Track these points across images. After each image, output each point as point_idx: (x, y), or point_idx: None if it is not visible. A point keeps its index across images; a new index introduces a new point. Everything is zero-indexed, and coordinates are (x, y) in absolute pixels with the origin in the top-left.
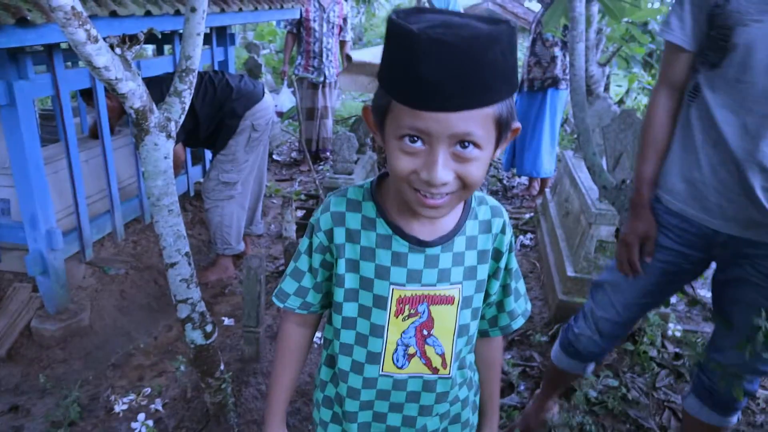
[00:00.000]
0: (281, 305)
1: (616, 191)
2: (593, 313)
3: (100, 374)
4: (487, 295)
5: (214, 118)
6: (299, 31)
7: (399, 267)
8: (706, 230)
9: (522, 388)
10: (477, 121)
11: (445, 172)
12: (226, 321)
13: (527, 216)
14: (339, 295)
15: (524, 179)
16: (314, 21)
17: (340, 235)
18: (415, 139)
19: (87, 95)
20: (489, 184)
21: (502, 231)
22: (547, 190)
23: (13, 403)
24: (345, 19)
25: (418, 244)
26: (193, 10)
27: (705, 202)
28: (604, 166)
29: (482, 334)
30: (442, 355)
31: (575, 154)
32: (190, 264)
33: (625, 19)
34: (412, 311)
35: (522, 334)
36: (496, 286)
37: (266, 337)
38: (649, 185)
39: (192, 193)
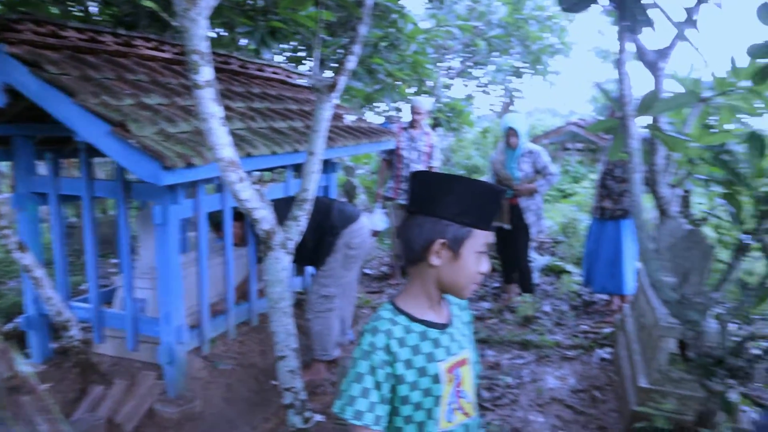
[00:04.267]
0: (359, 423)
1: (677, 305)
2: None
3: None
4: None
5: (315, 235)
6: (392, 158)
7: (439, 348)
8: None
9: None
10: None
11: None
12: (318, 417)
13: (606, 330)
14: (404, 389)
15: (605, 295)
16: (405, 149)
17: (394, 345)
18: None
19: (215, 227)
20: (569, 299)
21: (467, 306)
22: (626, 306)
23: None
24: (433, 147)
25: (443, 328)
26: (312, 153)
27: None
28: (672, 283)
29: None
30: (470, 402)
31: None
32: (296, 358)
33: (696, 144)
34: (452, 376)
35: None
36: None
37: None
38: None
39: (292, 302)
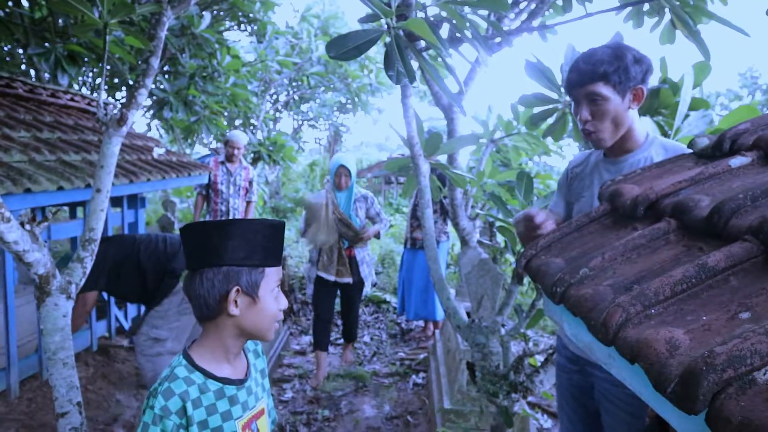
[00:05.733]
0: None
1: (468, 329)
2: None
3: None
4: None
5: (158, 274)
6: (208, 192)
7: (235, 405)
8: None
9: None
10: None
11: None
12: None
13: (421, 356)
14: None
15: (421, 322)
16: (222, 184)
17: (189, 408)
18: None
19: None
20: (387, 327)
21: (262, 353)
22: (437, 331)
23: None
24: (251, 182)
25: (240, 383)
26: (99, 190)
27: None
28: (463, 308)
29: None
30: None
31: (456, 297)
32: (80, 413)
33: (491, 180)
34: (248, 431)
35: None
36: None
37: None
38: None
39: (95, 348)
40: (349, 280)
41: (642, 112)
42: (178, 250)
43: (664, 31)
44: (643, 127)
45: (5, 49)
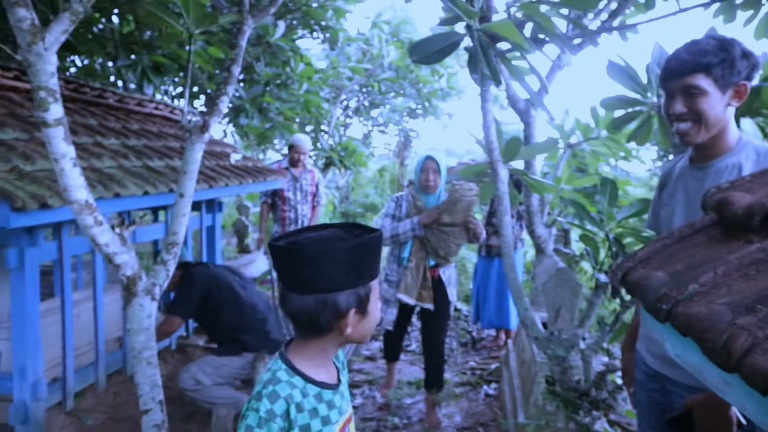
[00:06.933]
0: None
1: (546, 341)
2: None
3: None
4: None
5: (228, 335)
6: (274, 200)
7: (333, 409)
8: None
9: None
10: None
11: None
12: None
13: (493, 366)
14: None
15: (492, 331)
16: (288, 191)
17: (293, 411)
18: None
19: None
20: (458, 336)
21: (345, 365)
22: (510, 341)
23: None
24: (317, 186)
25: (335, 388)
26: (182, 195)
27: None
28: (539, 319)
29: None
30: None
31: (531, 306)
32: (162, 411)
33: (568, 186)
34: None
35: None
36: None
37: None
38: None
39: (174, 347)
40: (430, 306)
41: (740, 113)
42: (257, 322)
43: (760, 25)
44: (736, 129)
45: (98, 62)
